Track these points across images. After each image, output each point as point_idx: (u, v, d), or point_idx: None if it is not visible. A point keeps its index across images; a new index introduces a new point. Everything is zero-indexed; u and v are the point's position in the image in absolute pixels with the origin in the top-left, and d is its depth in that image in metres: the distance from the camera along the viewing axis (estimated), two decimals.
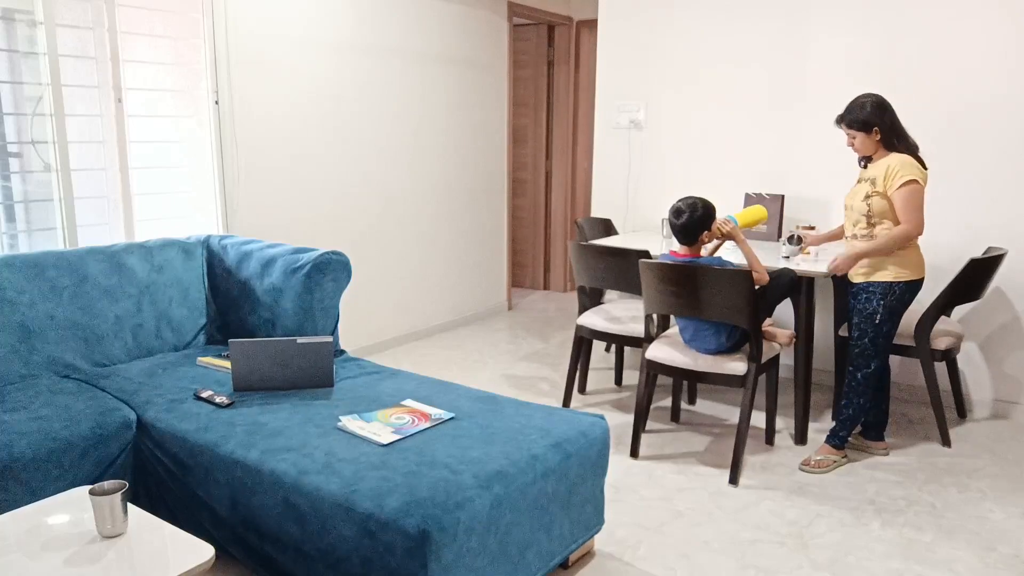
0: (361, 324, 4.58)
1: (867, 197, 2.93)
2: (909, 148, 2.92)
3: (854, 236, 3.02)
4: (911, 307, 3.81)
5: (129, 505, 1.81)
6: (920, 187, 2.84)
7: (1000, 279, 3.68)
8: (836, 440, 3.13)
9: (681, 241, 3.05)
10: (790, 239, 3.38)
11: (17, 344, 2.72)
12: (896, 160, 2.87)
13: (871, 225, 2.94)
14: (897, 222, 2.90)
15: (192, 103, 3.59)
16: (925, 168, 2.89)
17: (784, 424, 3.62)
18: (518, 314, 5.77)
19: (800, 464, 3.14)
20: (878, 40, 3.83)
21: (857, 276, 3.03)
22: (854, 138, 2.95)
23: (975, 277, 3.28)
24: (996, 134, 3.60)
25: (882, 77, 3.83)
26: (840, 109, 3.96)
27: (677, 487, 2.98)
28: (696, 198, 3.00)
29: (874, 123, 2.89)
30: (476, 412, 2.41)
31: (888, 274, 2.94)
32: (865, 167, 3.04)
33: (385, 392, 2.61)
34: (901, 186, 2.84)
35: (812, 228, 3.68)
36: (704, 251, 3.13)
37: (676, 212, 3.02)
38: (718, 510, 2.80)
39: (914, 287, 2.97)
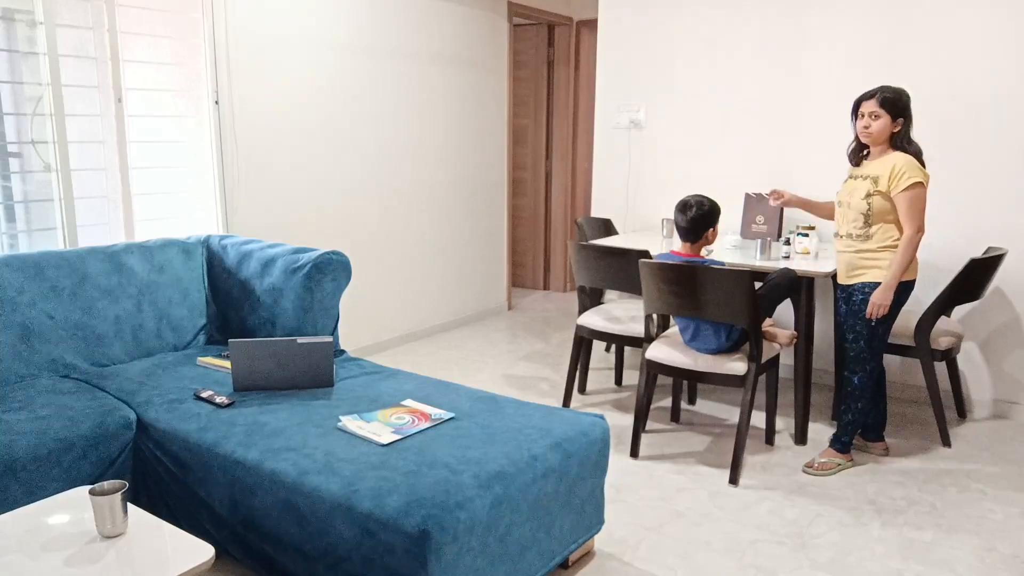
0: (361, 324, 4.58)
1: (868, 196, 2.88)
2: (915, 151, 2.88)
3: (848, 235, 2.98)
4: (912, 307, 3.82)
5: (129, 505, 1.81)
6: (924, 190, 2.81)
7: (1000, 279, 3.68)
8: (839, 445, 3.12)
9: (684, 238, 3.05)
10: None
11: (17, 344, 2.72)
12: (901, 160, 2.83)
13: (868, 225, 2.91)
14: (896, 223, 2.88)
15: (192, 103, 3.59)
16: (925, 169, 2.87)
17: (784, 424, 3.61)
18: (518, 314, 5.77)
19: (803, 466, 3.13)
20: (879, 41, 3.83)
21: (849, 278, 3.00)
22: (876, 118, 2.86)
23: (975, 277, 3.27)
24: (997, 134, 3.60)
25: (883, 78, 3.83)
26: (841, 109, 3.96)
27: (677, 487, 2.98)
28: (704, 197, 3.02)
29: (904, 113, 2.84)
30: (476, 412, 2.41)
31: (882, 275, 2.91)
32: (857, 164, 3.00)
33: (385, 392, 2.61)
34: (907, 188, 2.80)
35: (812, 228, 3.67)
36: (704, 251, 3.13)
37: (684, 207, 3.01)
38: (718, 510, 2.80)
39: (907, 288, 2.94)
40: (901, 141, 2.88)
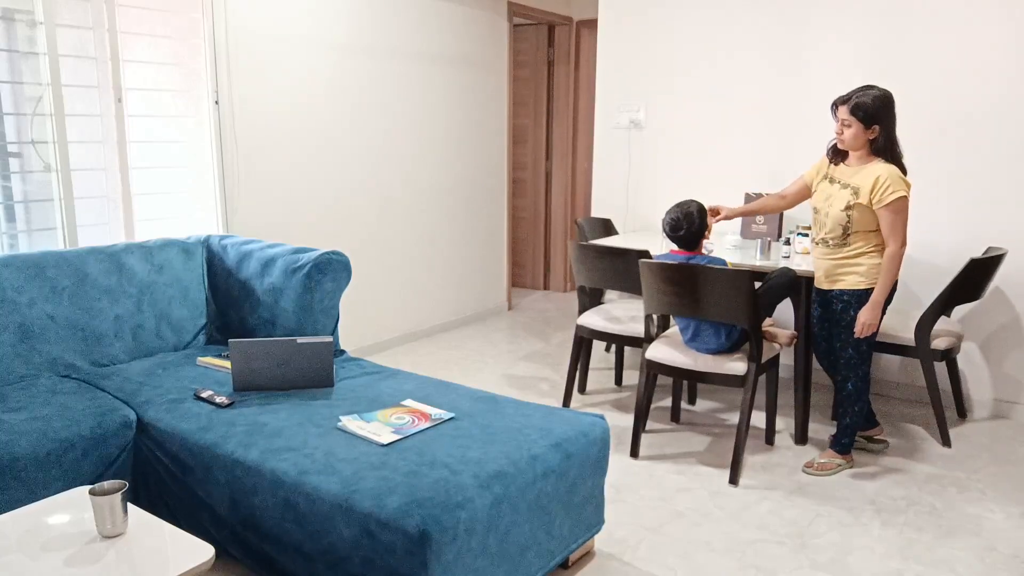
0: (361, 324, 4.58)
1: (848, 208, 2.82)
2: (895, 157, 2.82)
3: (824, 243, 2.95)
4: (912, 307, 3.82)
5: (129, 505, 1.81)
6: (908, 202, 2.76)
7: (1000, 279, 3.68)
8: (839, 446, 3.12)
9: (681, 248, 3.06)
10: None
11: (17, 344, 2.72)
12: (885, 171, 2.76)
13: (846, 235, 2.87)
14: (875, 231, 2.83)
15: (192, 103, 3.59)
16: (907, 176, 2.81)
17: (784, 424, 3.61)
18: (518, 314, 5.77)
19: (803, 466, 3.13)
20: (879, 41, 3.83)
21: (826, 283, 2.98)
22: (848, 127, 2.79)
23: (975, 277, 3.27)
24: (997, 134, 3.60)
25: (883, 78, 3.83)
26: None
27: (677, 487, 2.98)
28: (689, 206, 2.98)
29: (877, 120, 2.76)
30: (476, 412, 2.41)
31: (863, 281, 2.89)
32: (836, 164, 2.94)
33: (385, 392, 2.61)
34: (891, 203, 2.74)
35: (810, 228, 3.67)
36: (704, 249, 3.13)
37: (674, 226, 2.99)
38: (718, 510, 2.80)
39: (890, 292, 2.92)
40: (883, 148, 2.80)
